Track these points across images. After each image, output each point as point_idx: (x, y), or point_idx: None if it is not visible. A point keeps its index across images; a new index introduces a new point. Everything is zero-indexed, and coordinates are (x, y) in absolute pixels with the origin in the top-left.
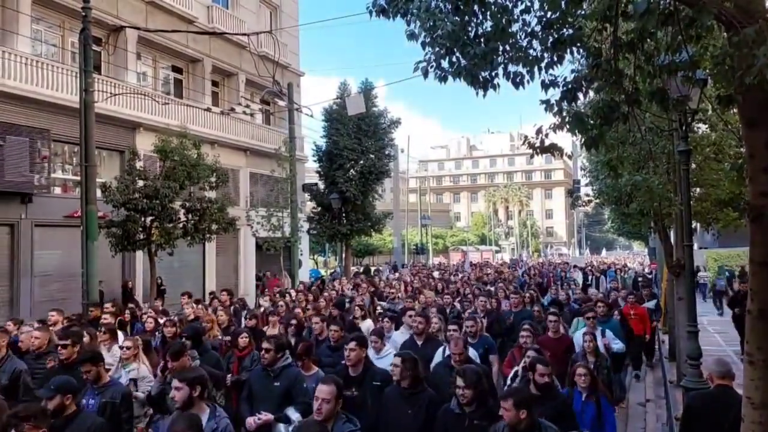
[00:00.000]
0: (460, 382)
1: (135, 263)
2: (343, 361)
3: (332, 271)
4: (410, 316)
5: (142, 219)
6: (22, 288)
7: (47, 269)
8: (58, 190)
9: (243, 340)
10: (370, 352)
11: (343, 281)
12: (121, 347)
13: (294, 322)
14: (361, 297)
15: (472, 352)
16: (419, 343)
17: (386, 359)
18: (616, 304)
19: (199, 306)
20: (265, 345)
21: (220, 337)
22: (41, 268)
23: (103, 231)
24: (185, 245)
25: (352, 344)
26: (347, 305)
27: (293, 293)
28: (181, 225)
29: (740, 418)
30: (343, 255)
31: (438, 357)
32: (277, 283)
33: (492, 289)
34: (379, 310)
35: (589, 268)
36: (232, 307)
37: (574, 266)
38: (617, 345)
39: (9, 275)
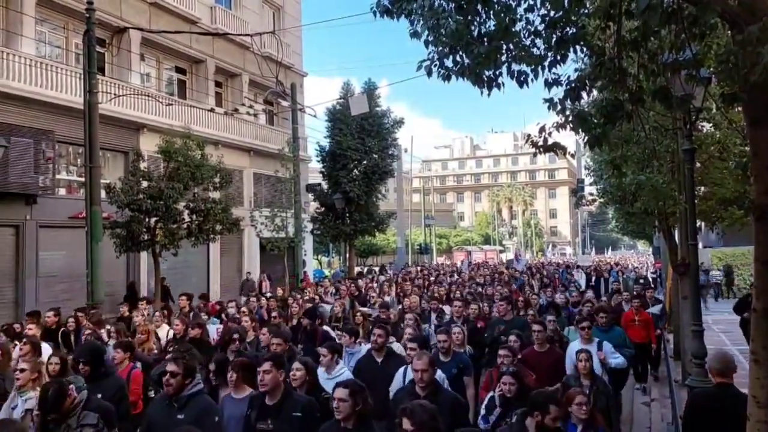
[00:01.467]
0: (406, 424)
1: (139, 264)
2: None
3: (333, 271)
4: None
5: (147, 220)
6: (27, 289)
7: (52, 270)
8: (62, 191)
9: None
10: (320, 371)
11: (326, 284)
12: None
13: (236, 336)
14: (341, 302)
15: (440, 375)
16: (378, 360)
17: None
18: (620, 309)
19: (148, 312)
20: (170, 368)
21: (156, 351)
22: (46, 269)
23: (108, 232)
24: (189, 246)
25: (266, 365)
26: (329, 312)
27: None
28: (185, 226)
29: (743, 416)
30: (347, 255)
31: (398, 380)
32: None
33: (482, 291)
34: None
35: (593, 268)
36: (191, 313)
37: (577, 267)
38: (617, 359)
39: (14, 276)
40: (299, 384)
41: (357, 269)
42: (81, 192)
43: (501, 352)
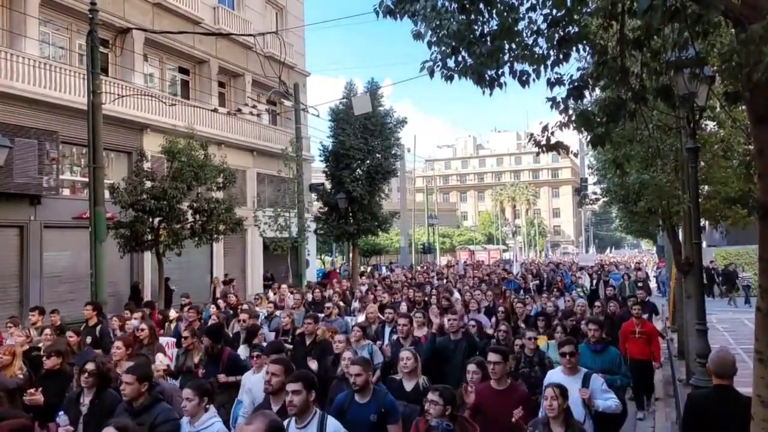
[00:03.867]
0: None
1: (143, 264)
2: None
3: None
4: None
5: (150, 220)
6: (31, 289)
7: (56, 270)
8: (66, 192)
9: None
10: (183, 421)
11: (283, 289)
12: None
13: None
14: (288, 314)
15: (332, 426)
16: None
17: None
18: (619, 318)
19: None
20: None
21: (21, 375)
22: (50, 269)
23: (112, 232)
24: (193, 246)
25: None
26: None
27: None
28: (188, 226)
29: (742, 419)
30: (350, 255)
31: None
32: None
33: (470, 295)
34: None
35: (596, 269)
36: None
37: (580, 268)
38: (607, 401)
39: (18, 276)
40: None
41: (360, 268)
42: (85, 192)
43: (429, 395)
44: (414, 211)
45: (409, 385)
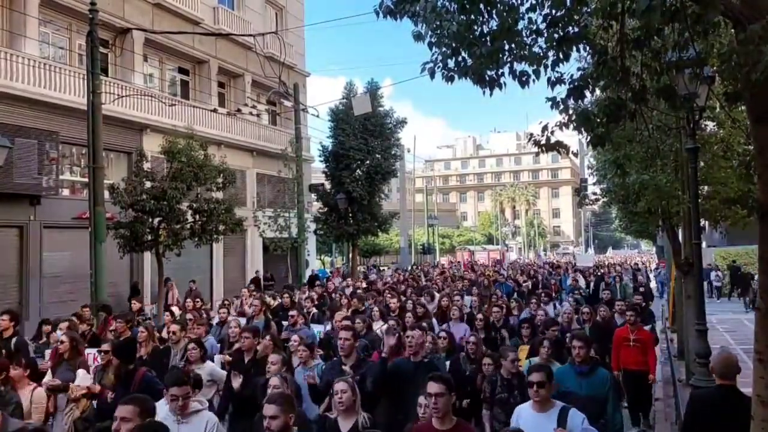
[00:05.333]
0: None
1: (143, 264)
2: None
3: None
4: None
5: (150, 220)
6: (31, 289)
7: (56, 270)
8: (66, 192)
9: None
10: None
11: (244, 294)
12: None
13: None
14: (235, 323)
15: None
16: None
17: None
18: (610, 329)
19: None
20: None
21: None
22: (50, 269)
23: (112, 232)
24: (193, 246)
25: None
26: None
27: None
28: (188, 226)
29: (745, 419)
30: (350, 255)
31: None
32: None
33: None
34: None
35: (591, 270)
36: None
37: (575, 270)
38: None
39: (18, 277)
40: None
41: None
42: (84, 192)
43: None
44: (414, 211)
45: (345, 425)
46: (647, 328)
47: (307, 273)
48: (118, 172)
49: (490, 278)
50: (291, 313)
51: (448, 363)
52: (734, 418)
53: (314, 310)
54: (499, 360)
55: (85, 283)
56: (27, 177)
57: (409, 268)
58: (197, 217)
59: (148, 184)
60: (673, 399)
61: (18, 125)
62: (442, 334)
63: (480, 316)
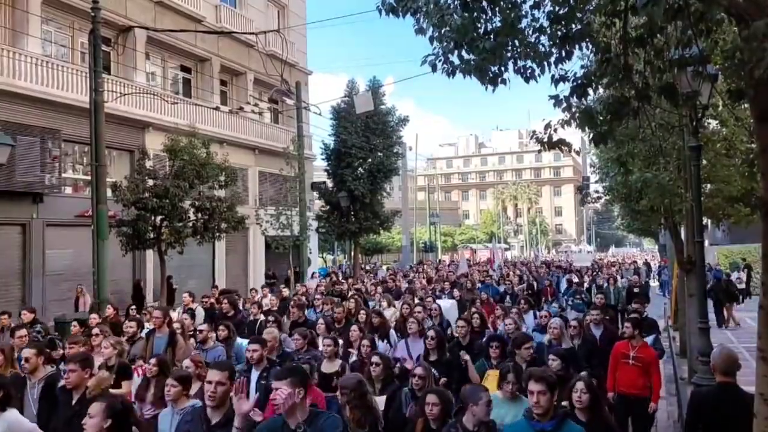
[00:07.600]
0: None
1: (145, 262)
2: None
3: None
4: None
5: (152, 218)
6: (33, 287)
7: (58, 268)
8: (68, 190)
9: None
10: None
11: (213, 293)
12: None
13: None
14: (114, 341)
15: None
16: None
17: None
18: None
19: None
20: None
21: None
22: (53, 267)
23: (114, 230)
24: (195, 244)
25: None
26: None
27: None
28: (190, 224)
29: (746, 416)
30: (352, 253)
31: None
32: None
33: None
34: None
35: (587, 270)
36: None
37: (570, 270)
38: None
39: (21, 274)
40: None
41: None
42: (87, 190)
43: None
44: (416, 209)
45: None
46: (650, 339)
47: (309, 271)
48: (120, 170)
49: (472, 279)
50: (200, 327)
51: (382, 398)
52: (736, 415)
53: (261, 317)
54: (455, 402)
55: (88, 281)
56: (29, 175)
57: (408, 267)
58: (199, 215)
59: (150, 182)
60: (675, 397)
61: (20, 123)
62: (375, 358)
63: (432, 333)
